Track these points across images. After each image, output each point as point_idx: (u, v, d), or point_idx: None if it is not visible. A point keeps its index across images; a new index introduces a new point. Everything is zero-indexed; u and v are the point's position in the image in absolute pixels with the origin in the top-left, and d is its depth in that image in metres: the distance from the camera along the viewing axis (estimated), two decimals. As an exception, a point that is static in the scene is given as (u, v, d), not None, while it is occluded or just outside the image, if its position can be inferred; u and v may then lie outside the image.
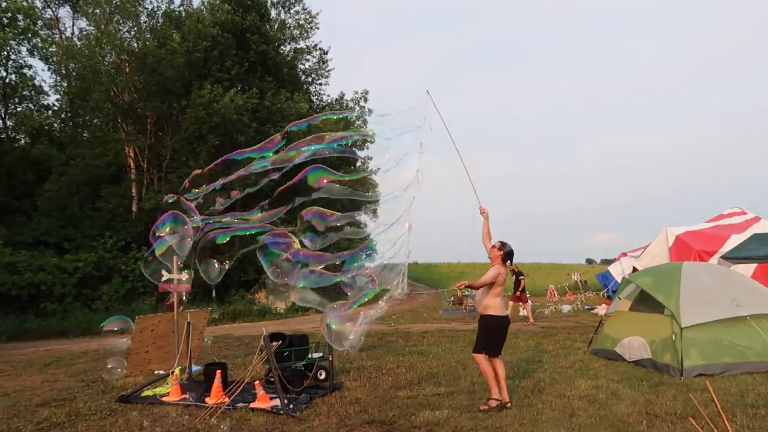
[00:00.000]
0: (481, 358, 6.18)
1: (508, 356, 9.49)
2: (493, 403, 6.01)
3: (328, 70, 30.06)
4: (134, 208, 22.26)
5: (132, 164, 23.02)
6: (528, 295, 16.45)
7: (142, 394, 7.31)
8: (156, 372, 8.84)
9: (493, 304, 6.18)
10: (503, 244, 6.34)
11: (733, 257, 11.13)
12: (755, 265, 16.22)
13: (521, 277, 15.76)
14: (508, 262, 6.42)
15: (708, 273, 8.72)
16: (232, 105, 20.23)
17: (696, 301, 7.83)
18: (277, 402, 6.51)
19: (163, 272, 9.05)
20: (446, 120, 6.24)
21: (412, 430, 5.41)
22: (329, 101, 28.77)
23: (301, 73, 29.21)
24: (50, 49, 21.89)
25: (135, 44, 22.10)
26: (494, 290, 6.19)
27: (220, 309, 18.69)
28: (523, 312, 15.92)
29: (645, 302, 8.68)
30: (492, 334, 6.17)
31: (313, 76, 30.08)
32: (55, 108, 25.14)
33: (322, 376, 7.67)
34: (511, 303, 15.68)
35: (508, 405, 6.05)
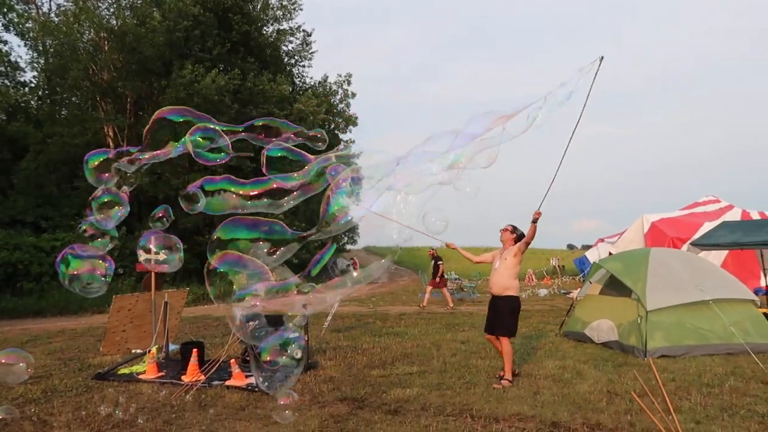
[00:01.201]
0: (506, 342, 6.40)
1: (481, 338, 9.72)
2: (505, 383, 6.23)
3: (312, 53, 29.89)
4: (113, 188, 22.05)
5: (111, 144, 22.78)
6: (447, 280, 16.48)
7: (119, 372, 7.40)
8: (133, 351, 8.90)
9: (514, 285, 6.45)
10: (515, 228, 6.61)
11: (701, 244, 11.44)
12: (727, 252, 16.69)
13: (440, 263, 15.70)
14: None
15: (674, 259, 8.99)
16: (214, 86, 20.08)
17: (662, 285, 8.08)
18: (252, 380, 6.64)
19: (141, 252, 9.10)
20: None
21: (382, 406, 5.57)
22: (312, 84, 28.65)
23: (284, 55, 28.98)
24: (26, 25, 21.47)
25: (114, 22, 21.74)
26: (514, 271, 6.43)
27: (200, 290, 18.70)
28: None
29: (614, 286, 8.92)
30: (516, 316, 6.45)
31: (296, 58, 29.88)
32: (32, 85, 24.71)
33: (298, 356, 7.81)
34: (429, 288, 15.79)
35: (509, 383, 6.29)
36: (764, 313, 8.85)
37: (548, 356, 7.93)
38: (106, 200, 3.97)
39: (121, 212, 4.00)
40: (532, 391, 5.98)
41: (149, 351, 7.84)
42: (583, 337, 8.96)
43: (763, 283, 13.10)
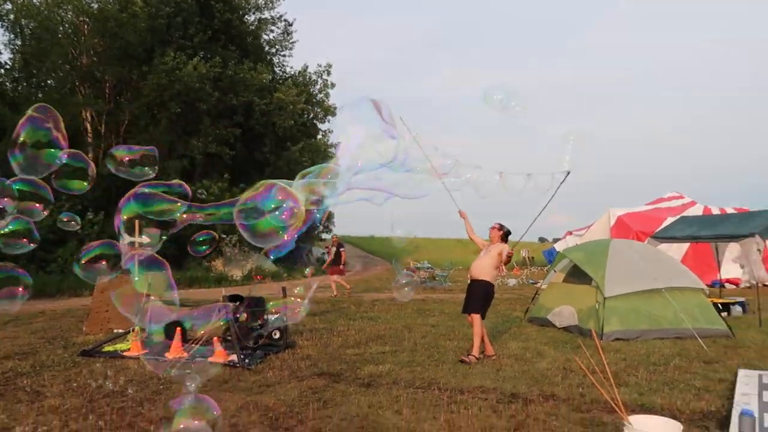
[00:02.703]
0: (477, 319, 7.00)
1: (451, 322, 10.25)
2: (472, 359, 6.80)
3: (292, 42, 29.98)
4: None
5: (89, 128, 22.73)
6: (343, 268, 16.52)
7: (103, 350, 7.71)
8: (115, 331, 9.19)
9: (492, 274, 7.09)
10: (501, 226, 7.24)
11: (660, 237, 12.10)
12: (688, 245, 17.51)
13: (341, 249, 15.92)
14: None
15: (633, 250, 9.59)
16: (195, 73, 20.20)
17: (620, 274, 8.67)
18: (233, 357, 7.03)
19: (124, 235, 9.38)
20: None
21: (356, 380, 6.01)
22: (292, 73, 28.78)
23: (264, 44, 29.05)
24: (4, 6, 21.24)
25: (95, 6, 21.64)
26: (494, 262, 7.09)
27: (177, 274, 18.89)
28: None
29: (576, 275, 9.49)
30: (488, 300, 7.11)
31: (277, 47, 29.95)
32: (8, 66, 24.44)
33: (277, 336, 8.22)
34: (334, 277, 15.69)
35: (494, 356, 7.00)
36: (713, 302, 9.53)
37: (512, 339, 8.47)
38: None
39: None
40: (495, 368, 6.48)
41: (133, 330, 8.16)
42: (546, 322, 9.52)
43: (718, 277, 13.88)
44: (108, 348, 7.79)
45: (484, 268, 7.09)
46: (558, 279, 10.10)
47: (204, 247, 4.65)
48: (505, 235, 7.22)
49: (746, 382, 5.49)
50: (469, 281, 7.37)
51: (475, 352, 6.88)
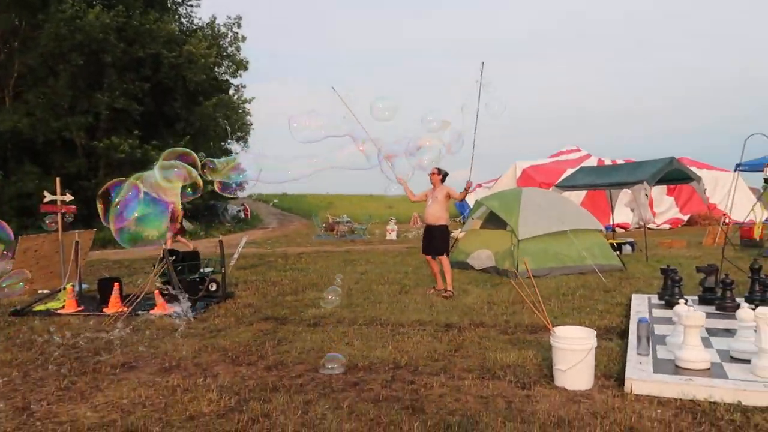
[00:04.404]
0: (445, 261, 7.86)
1: (378, 269, 10.86)
2: (449, 294, 7.67)
3: (200, -9, 28.58)
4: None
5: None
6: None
7: (35, 309, 7.58)
8: (40, 292, 8.98)
9: (445, 216, 7.88)
10: (440, 170, 7.83)
11: (563, 186, 13.27)
12: (584, 193, 19.14)
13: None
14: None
15: (542, 197, 10.56)
16: (98, 23, 18.87)
17: (531, 219, 9.57)
18: (175, 309, 7.20)
19: (46, 193, 9.08)
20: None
21: (302, 322, 6.43)
22: (200, 25, 27.48)
23: (170, -8, 27.44)
24: None
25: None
26: (444, 205, 7.83)
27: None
28: None
29: (492, 221, 10.34)
30: (447, 239, 7.98)
31: (183, -5, 28.36)
32: None
33: (213, 288, 8.44)
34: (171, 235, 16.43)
35: (452, 294, 7.70)
36: (610, 243, 10.75)
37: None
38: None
39: None
40: (428, 305, 7.14)
41: (64, 288, 8.06)
42: (466, 266, 10.34)
43: (611, 221, 15.43)
44: (39, 307, 7.67)
45: (437, 212, 7.85)
46: (476, 225, 10.92)
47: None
48: (444, 177, 7.94)
49: (639, 303, 6.50)
50: (424, 228, 8.18)
51: (449, 286, 7.78)
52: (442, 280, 7.99)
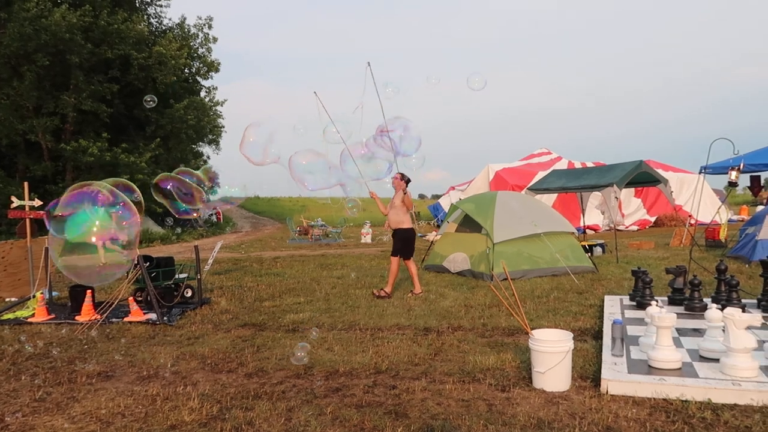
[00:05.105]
0: (395, 260, 8.11)
1: (354, 273, 10.88)
2: (383, 294, 8.05)
3: (168, -8, 28.16)
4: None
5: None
6: None
7: (3, 318, 7.40)
8: (7, 300, 8.78)
9: (405, 220, 8.10)
10: (403, 175, 8.07)
11: (536, 188, 13.49)
12: (556, 195, 19.46)
13: None
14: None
15: (516, 200, 10.71)
16: (65, 23, 18.44)
17: (505, 222, 9.71)
18: (150, 315, 7.11)
19: (13, 198, 8.87)
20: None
21: (281, 327, 6.42)
22: (170, 25, 27.13)
23: (138, -8, 27.01)
24: None
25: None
26: (404, 209, 8.05)
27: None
28: None
29: (468, 224, 10.45)
30: (406, 243, 8.19)
31: (152, -5, 27.96)
32: None
33: (189, 294, 8.35)
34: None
35: (420, 293, 8.09)
36: (582, 245, 10.97)
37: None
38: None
39: None
40: (406, 309, 7.19)
41: (34, 296, 7.89)
42: (442, 269, 10.44)
43: (582, 223, 15.73)
44: (7, 316, 7.50)
45: (396, 218, 8.12)
46: (451, 229, 11.03)
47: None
48: (407, 183, 8.15)
49: (611, 304, 6.66)
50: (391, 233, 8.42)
51: (388, 289, 8.10)
52: (393, 284, 8.26)
